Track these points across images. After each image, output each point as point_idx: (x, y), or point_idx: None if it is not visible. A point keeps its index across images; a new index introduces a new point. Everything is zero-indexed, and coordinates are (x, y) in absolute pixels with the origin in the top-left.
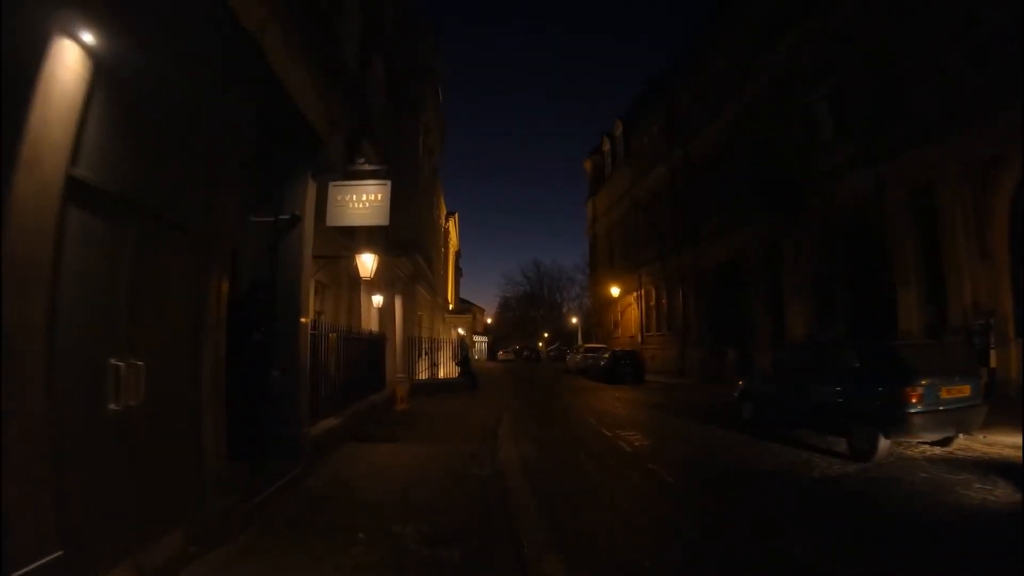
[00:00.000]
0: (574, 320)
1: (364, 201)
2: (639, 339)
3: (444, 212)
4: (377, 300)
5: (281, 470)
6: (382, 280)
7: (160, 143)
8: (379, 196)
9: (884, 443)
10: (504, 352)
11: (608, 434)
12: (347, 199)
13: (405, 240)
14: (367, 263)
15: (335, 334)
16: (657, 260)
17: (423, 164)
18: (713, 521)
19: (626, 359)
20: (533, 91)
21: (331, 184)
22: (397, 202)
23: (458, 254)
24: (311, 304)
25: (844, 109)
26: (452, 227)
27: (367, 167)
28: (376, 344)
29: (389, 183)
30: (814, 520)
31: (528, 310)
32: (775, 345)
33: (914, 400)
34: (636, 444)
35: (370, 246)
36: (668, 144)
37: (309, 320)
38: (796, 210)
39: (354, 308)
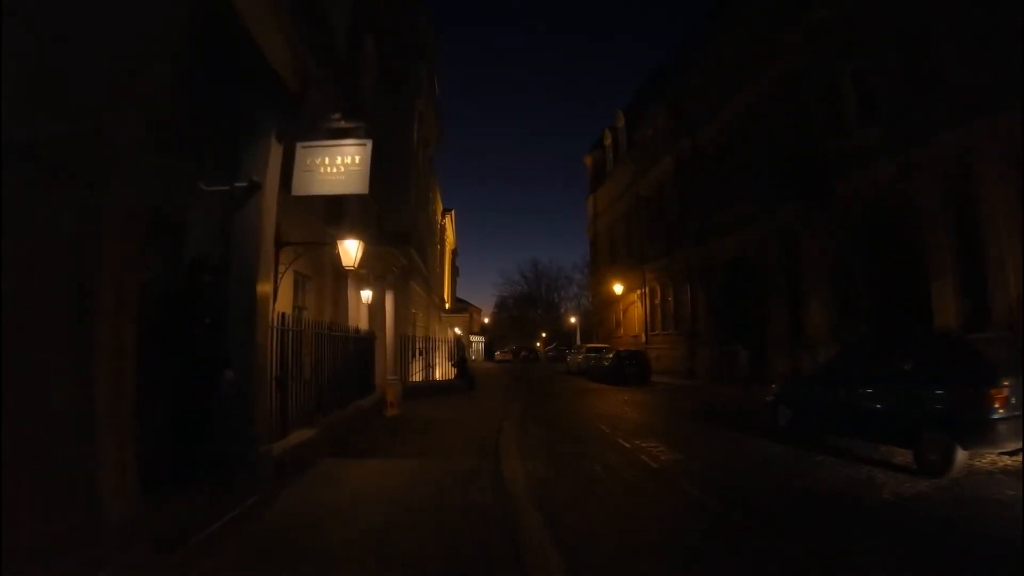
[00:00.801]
0: (572, 320)
1: (339, 165)
2: (643, 338)
3: (440, 208)
4: (366, 295)
5: (230, 501)
6: (371, 273)
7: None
8: (357, 159)
9: (961, 455)
10: (501, 352)
11: (626, 445)
12: (318, 163)
13: (398, 231)
14: (351, 250)
15: (312, 330)
16: (663, 256)
17: (418, 154)
18: (776, 564)
19: (631, 359)
20: (530, 90)
21: (299, 146)
22: (390, 191)
23: (455, 252)
24: (274, 291)
25: (871, 89)
26: (449, 224)
27: (342, 123)
28: (364, 343)
29: (369, 143)
30: (902, 556)
31: (526, 310)
32: (794, 344)
33: (998, 404)
34: (661, 458)
35: (355, 232)
36: (674, 135)
37: (275, 311)
38: (822, 196)
39: (340, 303)
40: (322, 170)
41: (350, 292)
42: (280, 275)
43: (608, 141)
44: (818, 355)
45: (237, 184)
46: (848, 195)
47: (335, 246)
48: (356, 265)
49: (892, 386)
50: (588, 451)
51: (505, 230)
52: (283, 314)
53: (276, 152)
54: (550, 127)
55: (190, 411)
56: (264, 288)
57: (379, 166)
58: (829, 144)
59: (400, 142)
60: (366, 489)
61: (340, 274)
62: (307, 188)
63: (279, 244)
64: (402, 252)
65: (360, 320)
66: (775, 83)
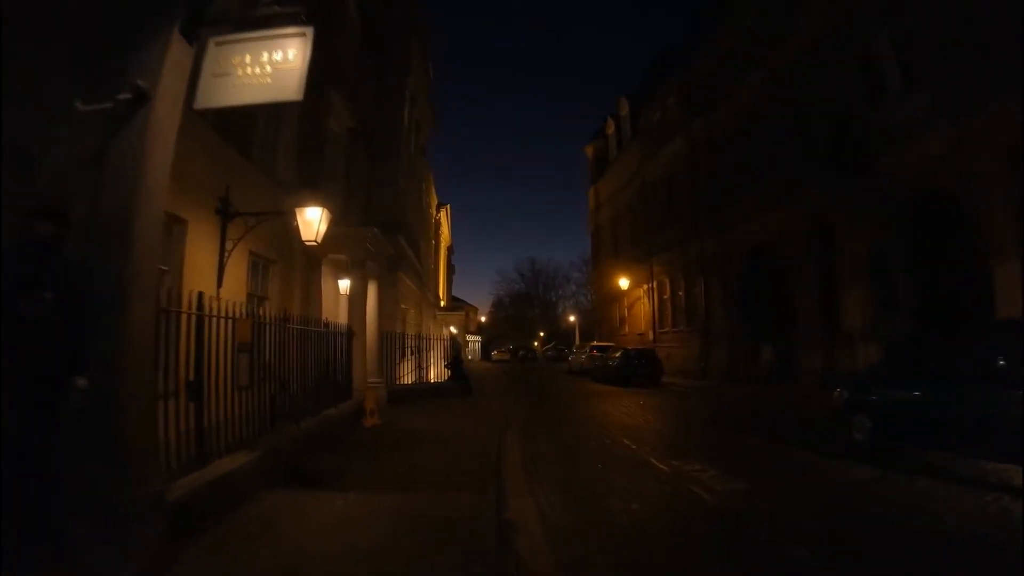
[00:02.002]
0: (572, 318)
1: (265, 64)
2: (650, 336)
3: (435, 202)
4: (344, 285)
5: None
6: (350, 259)
7: None
8: (292, 54)
9: None
10: (499, 352)
11: (662, 467)
12: (235, 63)
13: (386, 218)
14: (312, 220)
15: (253, 320)
16: (674, 247)
17: (409, 138)
18: None
19: (640, 358)
20: (526, 88)
21: (211, 42)
22: (376, 171)
23: (450, 250)
24: (220, 272)
25: (912, 53)
26: (444, 219)
27: (275, 8)
28: (338, 339)
29: (310, 33)
30: None
31: (523, 309)
32: (827, 340)
33: None
34: (716, 488)
35: (320, 199)
36: (686, 116)
37: (219, 296)
38: (862, 174)
39: (313, 294)
40: (240, 72)
41: (325, 282)
42: (228, 253)
43: (611, 129)
44: (856, 352)
45: (120, 96)
46: (892, 170)
47: (293, 217)
48: (319, 240)
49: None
50: (616, 478)
51: (502, 230)
52: (200, 295)
53: (180, 53)
54: (547, 124)
55: (19, 440)
56: (145, 248)
57: (365, 142)
58: (868, 116)
59: (388, 119)
60: (311, 550)
61: (314, 260)
62: (217, 98)
63: (228, 214)
64: (389, 239)
65: (339, 313)
66: (801, 53)
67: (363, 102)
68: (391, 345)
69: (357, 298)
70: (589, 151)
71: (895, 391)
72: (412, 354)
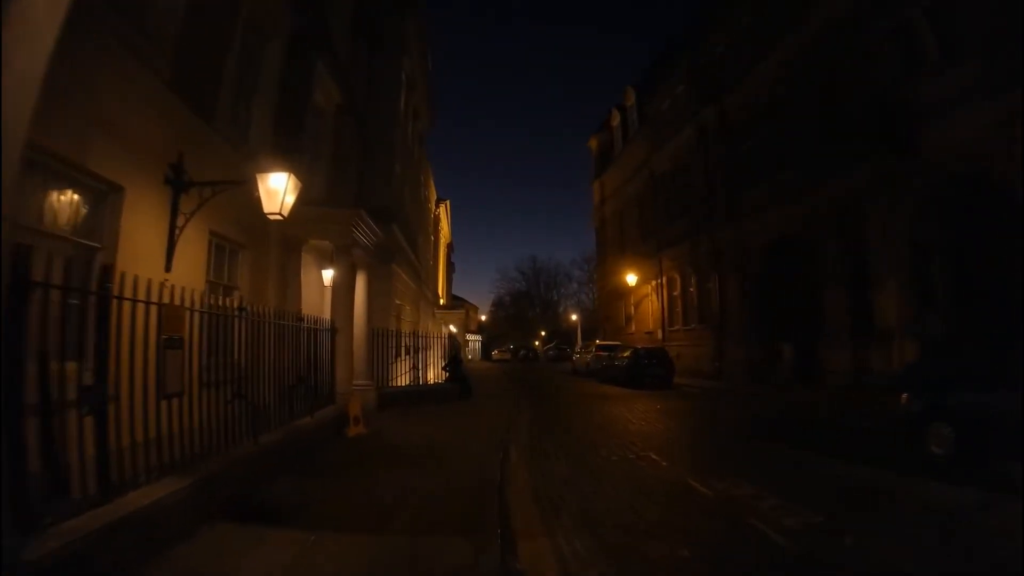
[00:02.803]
0: (573, 317)
1: None
2: (659, 335)
3: (434, 196)
4: (327, 275)
5: None
6: (335, 245)
7: None
8: None
9: None
10: (499, 351)
11: (706, 492)
12: None
13: (380, 206)
14: (276, 190)
15: (202, 309)
16: (685, 240)
17: (406, 125)
18: None
19: (651, 358)
20: (527, 86)
21: None
22: (370, 157)
23: (450, 247)
24: (169, 248)
25: (954, 22)
26: (444, 215)
27: None
28: (319, 337)
29: None
30: None
31: (523, 308)
32: (858, 338)
33: None
34: (785, 523)
35: (284, 166)
36: (697, 102)
37: (168, 282)
38: (903, 153)
39: (291, 284)
40: None
41: (308, 272)
42: (179, 229)
43: (616, 121)
44: (891, 351)
45: None
46: (938, 146)
47: (255, 187)
48: (284, 214)
49: None
50: (651, 509)
51: (502, 229)
52: (104, 269)
53: None
54: (547, 121)
55: None
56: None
57: (357, 124)
58: (906, 91)
59: (383, 102)
60: None
61: (292, 247)
62: None
63: (181, 184)
64: (383, 228)
65: (325, 311)
66: (827, 27)
67: (356, 83)
68: (383, 344)
69: (342, 290)
70: (593, 144)
71: (985, 395)
72: (408, 354)
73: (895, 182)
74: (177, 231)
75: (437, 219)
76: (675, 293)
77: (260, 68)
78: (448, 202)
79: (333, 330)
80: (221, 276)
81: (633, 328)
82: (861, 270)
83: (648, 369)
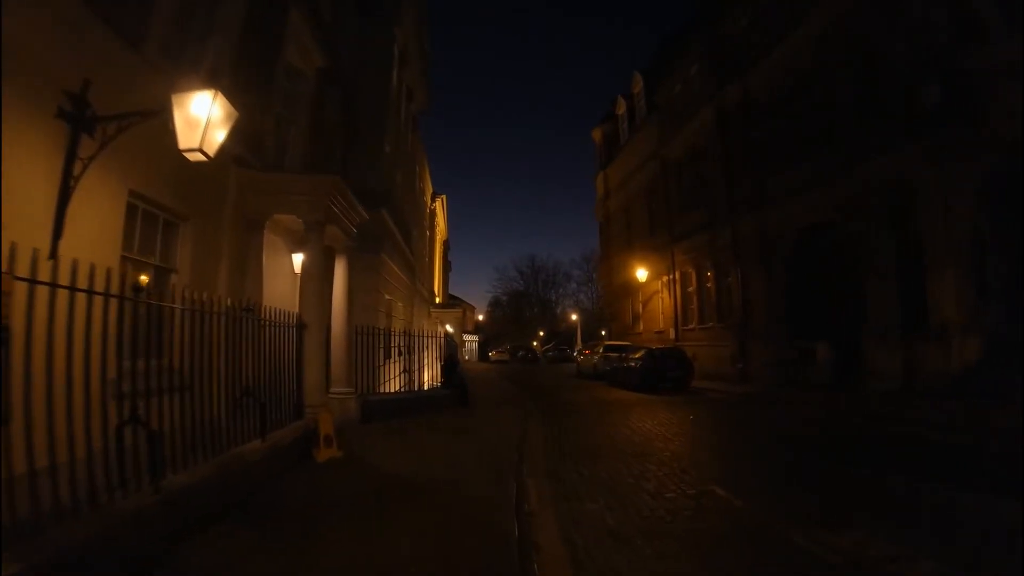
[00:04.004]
0: (574, 317)
1: None
2: (671, 334)
3: (430, 190)
4: (297, 261)
5: None
6: (305, 222)
7: None
8: None
9: None
10: (497, 352)
11: (822, 554)
12: None
13: (368, 188)
14: (197, 117)
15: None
16: (702, 231)
17: (399, 104)
18: None
19: (668, 359)
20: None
21: None
22: (358, 134)
23: (447, 244)
24: None
25: None
26: (440, 210)
27: None
28: (281, 335)
29: None
30: None
31: (521, 308)
32: (910, 335)
33: None
34: None
35: (212, 85)
36: (715, 83)
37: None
38: (967, 125)
39: (250, 269)
40: None
41: (276, 256)
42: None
43: (621, 110)
44: (950, 349)
45: None
46: (1004, 118)
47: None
48: (211, 154)
49: None
50: None
51: (500, 229)
52: None
53: None
54: (545, 119)
55: None
56: None
57: (343, 96)
58: (965, 60)
59: (373, 74)
60: None
61: (253, 222)
62: None
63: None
64: (373, 215)
65: (298, 301)
66: None
67: (342, 49)
68: (370, 344)
69: (313, 278)
70: (597, 135)
71: None
72: (400, 355)
73: (956, 158)
74: (72, 182)
75: (433, 213)
76: (690, 289)
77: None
78: (444, 197)
79: (300, 327)
80: (149, 253)
81: (641, 327)
82: (912, 258)
83: (665, 372)
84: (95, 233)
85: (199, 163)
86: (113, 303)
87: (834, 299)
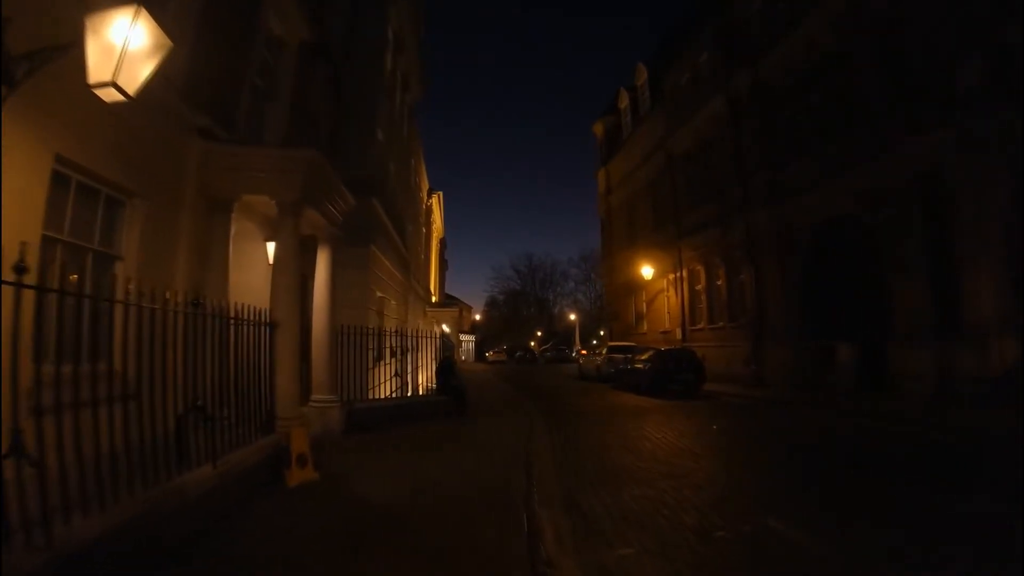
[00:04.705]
0: (572, 317)
1: None
2: (677, 335)
3: (426, 186)
4: (271, 250)
5: None
6: (278, 204)
7: None
8: None
9: None
10: (494, 352)
11: None
12: None
13: (359, 175)
14: (112, 44)
15: None
16: (712, 226)
17: (394, 91)
18: None
19: (678, 361)
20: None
21: None
22: (349, 120)
23: (443, 243)
24: None
25: None
26: (436, 207)
27: None
28: (250, 334)
29: None
30: None
31: (518, 308)
32: (940, 334)
33: None
34: None
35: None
36: (726, 70)
37: None
38: (1020, 100)
39: (214, 257)
40: None
41: (250, 245)
42: None
43: (624, 102)
44: (988, 351)
45: None
46: None
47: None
48: (131, 92)
49: None
50: None
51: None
52: None
53: None
54: (541, 118)
55: None
56: None
57: (333, 76)
58: (1008, 33)
59: (365, 55)
60: None
61: (217, 203)
62: None
63: None
64: (363, 204)
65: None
66: None
67: (332, 24)
68: (359, 345)
69: (287, 268)
70: (598, 129)
71: None
72: (393, 356)
73: (995, 143)
74: None
75: (429, 210)
76: (698, 287)
77: None
78: (440, 194)
79: (270, 325)
80: (87, 236)
81: (645, 327)
82: (943, 253)
83: (676, 375)
84: (17, 209)
85: (153, 132)
86: (28, 295)
87: (855, 297)
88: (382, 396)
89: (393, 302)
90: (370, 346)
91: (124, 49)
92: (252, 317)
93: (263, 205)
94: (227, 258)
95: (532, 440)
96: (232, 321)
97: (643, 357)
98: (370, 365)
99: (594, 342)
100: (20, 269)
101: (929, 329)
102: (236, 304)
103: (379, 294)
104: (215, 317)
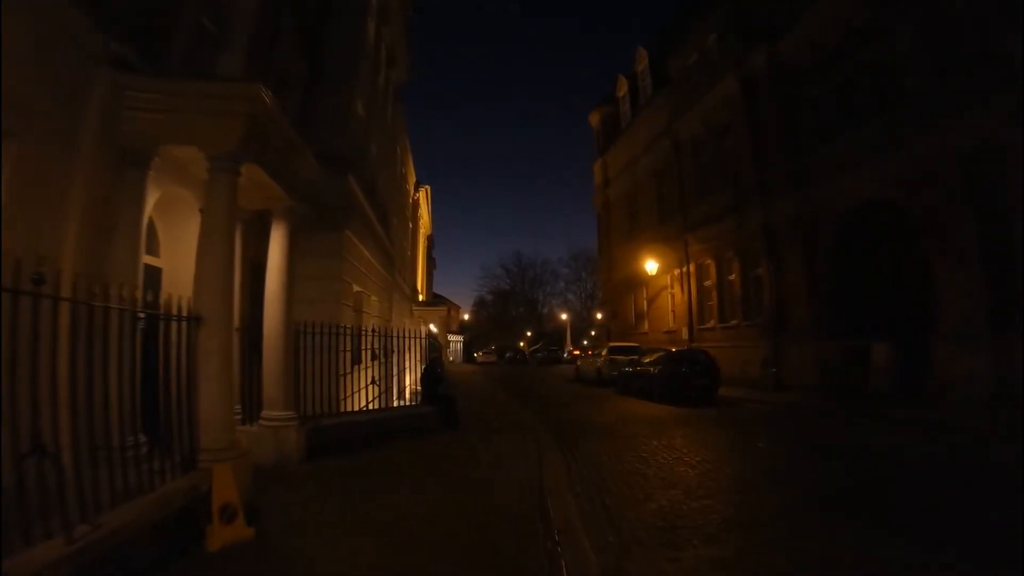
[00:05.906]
0: (563, 317)
1: None
2: (683, 334)
3: (413, 178)
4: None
5: None
6: (207, 157)
7: None
8: None
9: None
10: (483, 353)
11: None
12: None
13: (333, 150)
14: None
15: None
16: (724, 217)
17: (378, 65)
18: None
19: (691, 364)
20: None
21: None
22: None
23: (431, 240)
24: None
25: None
26: (424, 201)
27: None
28: (160, 334)
29: None
30: None
31: (507, 308)
32: (994, 331)
33: None
34: None
35: None
36: (739, 48)
37: None
38: None
39: (121, 226)
40: None
41: (184, 220)
42: None
43: (623, 90)
44: None
45: None
46: None
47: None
48: None
49: None
50: None
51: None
52: None
53: None
54: (535, 116)
55: None
56: None
57: (307, 41)
58: None
59: (346, 16)
60: None
61: (132, 155)
62: None
63: None
64: (338, 182)
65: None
66: None
67: None
68: (329, 347)
69: (216, 244)
70: (594, 119)
71: None
72: (375, 359)
73: None
74: None
75: (416, 204)
76: (708, 282)
77: None
78: (428, 188)
79: (189, 319)
80: None
81: (647, 326)
82: (997, 240)
83: (690, 379)
84: None
85: (44, 56)
86: None
87: (891, 291)
88: (358, 406)
89: (374, 298)
90: (345, 348)
91: None
92: (162, 310)
93: (198, 166)
94: (139, 229)
95: (543, 467)
96: (133, 315)
97: (651, 359)
98: (346, 370)
99: (584, 342)
100: None
101: (984, 323)
102: (172, 296)
103: (356, 288)
104: (85, 304)
